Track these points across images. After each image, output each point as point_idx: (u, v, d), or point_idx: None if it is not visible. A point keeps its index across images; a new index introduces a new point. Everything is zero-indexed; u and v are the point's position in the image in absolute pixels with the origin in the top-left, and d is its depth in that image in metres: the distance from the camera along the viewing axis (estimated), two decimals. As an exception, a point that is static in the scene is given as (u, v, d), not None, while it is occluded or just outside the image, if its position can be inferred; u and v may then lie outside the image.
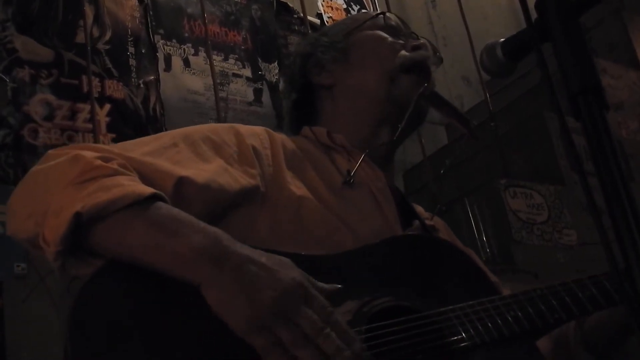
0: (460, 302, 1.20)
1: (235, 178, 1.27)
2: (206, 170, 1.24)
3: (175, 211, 1.10)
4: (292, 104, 1.63)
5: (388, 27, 1.57)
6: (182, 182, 1.19)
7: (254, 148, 1.35)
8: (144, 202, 1.08)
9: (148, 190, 1.10)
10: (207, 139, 1.32)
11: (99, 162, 1.12)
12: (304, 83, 1.60)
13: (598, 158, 0.77)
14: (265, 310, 1.00)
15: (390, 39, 1.55)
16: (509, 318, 1.19)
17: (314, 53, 1.59)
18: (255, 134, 1.40)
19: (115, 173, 1.12)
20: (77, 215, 1.04)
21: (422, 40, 1.56)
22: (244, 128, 1.40)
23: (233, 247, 1.06)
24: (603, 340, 1.39)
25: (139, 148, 1.25)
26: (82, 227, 1.06)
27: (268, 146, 1.38)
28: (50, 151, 1.21)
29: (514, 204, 2.88)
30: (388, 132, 1.50)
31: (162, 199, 1.11)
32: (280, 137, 1.45)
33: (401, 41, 1.55)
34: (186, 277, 1.04)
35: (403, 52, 1.52)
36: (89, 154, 1.15)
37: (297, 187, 1.34)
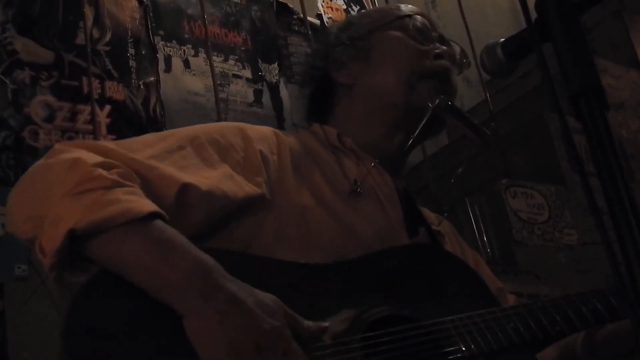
0: (460, 313, 1.19)
1: (240, 185, 1.25)
2: (211, 177, 1.22)
3: (170, 233, 1.08)
4: (309, 97, 1.60)
5: (415, 30, 1.52)
6: (185, 189, 1.17)
7: (261, 153, 1.32)
8: (141, 220, 1.06)
9: (145, 208, 1.07)
10: (214, 142, 1.30)
11: (98, 171, 1.10)
12: (323, 76, 1.56)
13: (599, 158, 0.77)
14: (239, 357, 0.99)
15: (414, 44, 1.50)
16: (508, 329, 1.18)
17: (336, 47, 1.55)
18: (264, 137, 1.37)
19: (114, 185, 1.09)
20: (71, 231, 1.04)
21: (445, 48, 1.52)
22: (252, 130, 1.37)
23: (222, 281, 1.04)
24: (612, 356, 1.37)
25: (145, 149, 1.23)
26: (77, 239, 1.05)
27: (276, 151, 1.36)
28: (56, 146, 1.19)
29: (514, 204, 2.88)
30: (401, 138, 1.48)
31: (160, 216, 1.09)
32: (288, 139, 1.42)
33: (426, 47, 1.50)
34: (171, 305, 1.02)
35: (424, 60, 1.48)
36: (90, 158, 1.12)
37: (302, 194, 1.32)
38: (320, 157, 1.43)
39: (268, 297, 1.06)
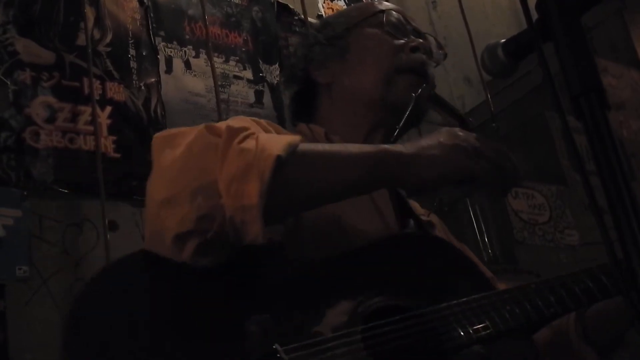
0: (456, 299, 1.20)
1: None
2: None
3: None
4: (292, 97, 1.62)
5: (390, 25, 1.54)
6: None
7: None
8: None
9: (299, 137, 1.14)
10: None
11: (235, 128, 1.10)
12: (304, 77, 1.58)
13: (600, 158, 0.77)
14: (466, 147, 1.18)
15: (389, 39, 1.52)
16: (505, 313, 1.19)
17: (314, 47, 1.57)
18: (270, 130, 1.39)
19: (257, 131, 1.12)
20: (278, 159, 1.02)
21: (421, 40, 1.53)
22: (261, 122, 1.39)
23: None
24: (603, 334, 1.39)
25: None
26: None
27: None
28: (157, 135, 1.17)
29: (515, 204, 2.88)
30: (383, 135, 1.50)
31: None
32: (285, 132, 1.44)
33: (402, 40, 1.52)
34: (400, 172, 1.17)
35: (400, 55, 1.50)
36: (218, 124, 1.13)
37: None
38: None
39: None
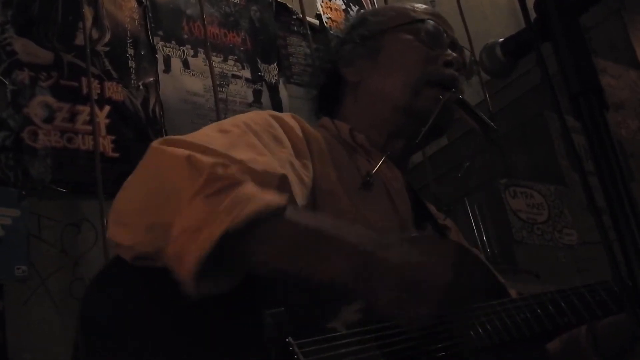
0: (472, 303, 1.20)
1: (300, 175, 1.26)
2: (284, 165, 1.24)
3: (311, 216, 1.12)
4: (318, 90, 1.61)
5: (426, 34, 1.51)
6: (284, 180, 1.17)
7: (304, 138, 1.34)
8: (281, 212, 1.05)
9: (283, 199, 1.06)
10: (265, 132, 1.28)
11: (221, 170, 1.05)
12: (332, 71, 1.57)
13: (598, 157, 0.77)
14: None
15: (423, 48, 1.50)
16: (519, 320, 1.20)
17: (347, 44, 1.55)
18: (295, 125, 1.37)
19: (241, 182, 1.06)
20: (224, 233, 0.99)
21: (455, 55, 1.51)
22: (285, 117, 1.37)
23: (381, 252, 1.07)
24: (614, 346, 1.39)
25: (238, 146, 1.19)
26: (222, 246, 1.00)
27: (304, 136, 1.37)
28: (153, 145, 1.13)
29: (514, 203, 2.88)
30: (405, 143, 1.49)
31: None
32: (310, 128, 1.42)
33: (436, 52, 1.50)
34: (341, 281, 1.04)
35: (433, 67, 1.48)
36: (205, 159, 1.08)
37: (327, 180, 1.33)
38: (335, 150, 1.43)
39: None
